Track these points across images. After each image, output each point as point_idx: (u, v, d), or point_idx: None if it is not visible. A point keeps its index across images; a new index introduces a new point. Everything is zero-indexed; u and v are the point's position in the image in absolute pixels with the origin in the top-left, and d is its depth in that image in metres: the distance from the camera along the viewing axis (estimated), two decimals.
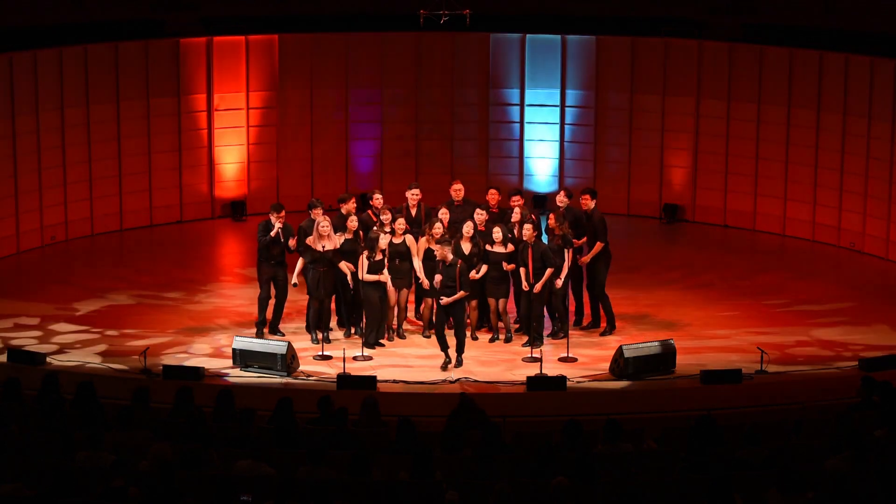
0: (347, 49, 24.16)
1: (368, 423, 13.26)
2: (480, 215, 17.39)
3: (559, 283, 17.06)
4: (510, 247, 17.00)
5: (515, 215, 17.09)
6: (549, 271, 16.73)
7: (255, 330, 17.51)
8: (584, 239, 17.53)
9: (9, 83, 21.22)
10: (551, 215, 17.21)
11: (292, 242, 17.24)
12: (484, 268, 17.02)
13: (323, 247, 16.83)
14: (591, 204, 17.51)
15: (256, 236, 17.43)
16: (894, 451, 12.05)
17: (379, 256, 16.82)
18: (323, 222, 16.84)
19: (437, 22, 18.37)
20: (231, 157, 23.86)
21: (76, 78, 22.12)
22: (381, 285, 16.86)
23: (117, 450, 11.90)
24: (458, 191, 17.90)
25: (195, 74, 23.37)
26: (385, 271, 16.86)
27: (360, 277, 16.75)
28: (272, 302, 17.51)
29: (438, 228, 17.13)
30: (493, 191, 17.84)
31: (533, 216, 17.16)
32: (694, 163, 23.67)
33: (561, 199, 17.58)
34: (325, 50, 24.09)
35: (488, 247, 17.05)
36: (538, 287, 16.72)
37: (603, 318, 17.83)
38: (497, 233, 16.98)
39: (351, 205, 17.36)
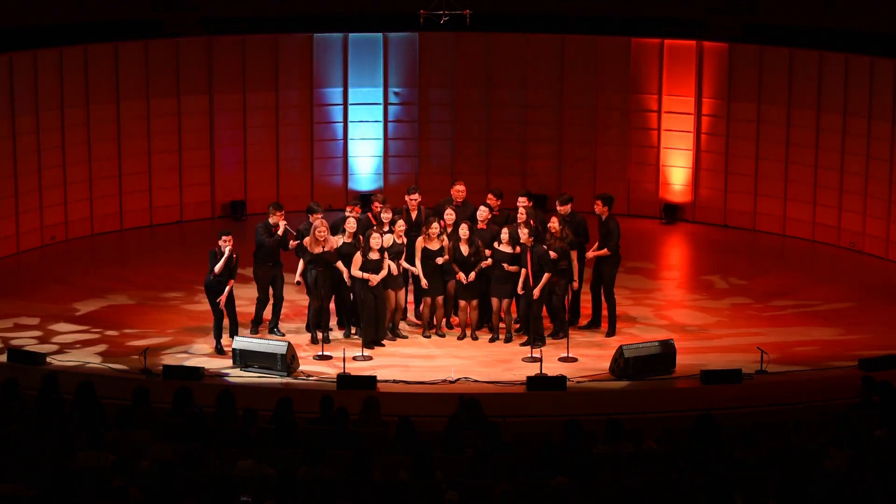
0: (347, 49, 24.15)
1: (368, 422, 13.26)
2: (483, 213, 17.40)
3: (576, 284, 17.14)
4: (517, 248, 16.98)
5: (521, 216, 17.08)
6: (546, 276, 16.73)
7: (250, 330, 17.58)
8: (596, 243, 17.52)
9: (9, 83, 21.22)
10: (553, 217, 17.18)
11: (293, 244, 17.27)
12: (485, 262, 17.02)
13: (322, 249, 16.84)
14: (605, 209, 17.46)
15: (256, 239, 17.38)
16: (894, 451, 12.06)
17: (376, 256, 16.80)
18: (320, 227, 16.84)
19: (437, 22, 18.37)
20: (231, 158, 23.85)
21: (76, 78, 22.12)
22: (375, 286, 16.84)
23: (117, 450, 11.90)
24: (459, 192, 17.87)
25: (195, 74, 23.37)
26: (382, 273, 16.82)
27: (351, 273, 16.78)
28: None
29: (435, 229, 17.15)
30: (491, 195, 17.79)
31: (532, 221, 17.13)
32: (694, 163, 23.67)
33: (561, 207, 17.52)
34: (324, 50, 24.09)
35: (495, 245, 17.06)
36: (536, 292, 16.73)
37: (604, 318, 17.83)
38: (504, 233, 16.98)
39: (353, 212, 17.33)
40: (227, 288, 16.83)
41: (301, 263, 17.14)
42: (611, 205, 17.56)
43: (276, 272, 17.44)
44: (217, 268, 16.70)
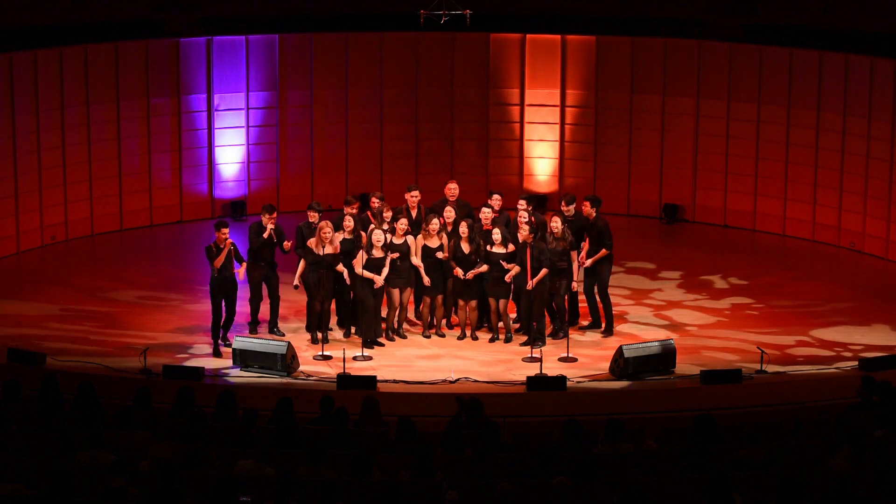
0: (347, 49, 24.16)
1: (368, 422, 13.26)
2: (486, 214, 17.40)
3: (575, 286, 17.16)
4: (511, 247, 17.00)
5: (521, 218, 17.06)
6: (543, 271, 16.73)
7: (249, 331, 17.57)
8: (586, 244, 17.52)
9: (9, 83, 21.22)
10: (555, 217, 17.19)
11: (287, 245, 17.25)
12: (484, 267, 17.04)
13: (323, 248, 16.85)
14: (592, 211, 17.46)
15: (249, 237, 17.41)
16: (894, 451, 12.06)
17: (379, 254, 16.81)
18: (325, 228, 16.84)
19: (437, 22, 18.37)
20: (231, 157, 23.87)
21: (76, 78, 22.12)
22: (374, 284, 16.84)
23: (117, 450, 11.90)
24: (452, 189, 17.87)
25: (195, 74, 23.37)
26: (383, 273, 16.82)
27: (355, 272, 16.78)
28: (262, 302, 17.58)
29: (435, 225, 17.15)
30: (496, 196, 17.79)
31: (532, 218, 17.14)
32: (694, 163, 23.67)
33: (565, 208, 17.54)
34: (325, 50, 24.10)
35: (488, 247, 17.06)
36: (531, 283, 16.71)
37: (603, 318, 17.82)
38: (497, 233, 16.99)
39: (353, 209, 17.34)
40: (242, 269, 16.83)
41: (301, 265, 17.10)
42: (598, 206, 17.54)
43: (268, 272, 17.42)
44: (217, 261, 16.68)
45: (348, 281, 17.07)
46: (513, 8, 24.80)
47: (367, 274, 16.77)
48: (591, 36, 24.03)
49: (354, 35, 24.22)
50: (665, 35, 23.62)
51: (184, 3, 23.97)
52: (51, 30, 22.36)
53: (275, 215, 17.32)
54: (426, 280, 17.21)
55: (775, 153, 22.86)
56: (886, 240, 21.49)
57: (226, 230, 16.81)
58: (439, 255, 17.18)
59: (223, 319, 17.07)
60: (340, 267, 16.98)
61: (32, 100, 21.56)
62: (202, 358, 16.78)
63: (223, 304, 16.99)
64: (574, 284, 17.34)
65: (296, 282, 17.19)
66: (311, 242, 16.92)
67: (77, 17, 23.00)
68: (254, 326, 17.61)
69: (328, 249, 16.83)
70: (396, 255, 16.96)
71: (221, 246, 16.76)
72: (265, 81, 23.90)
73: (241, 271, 17.01)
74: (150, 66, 22.90)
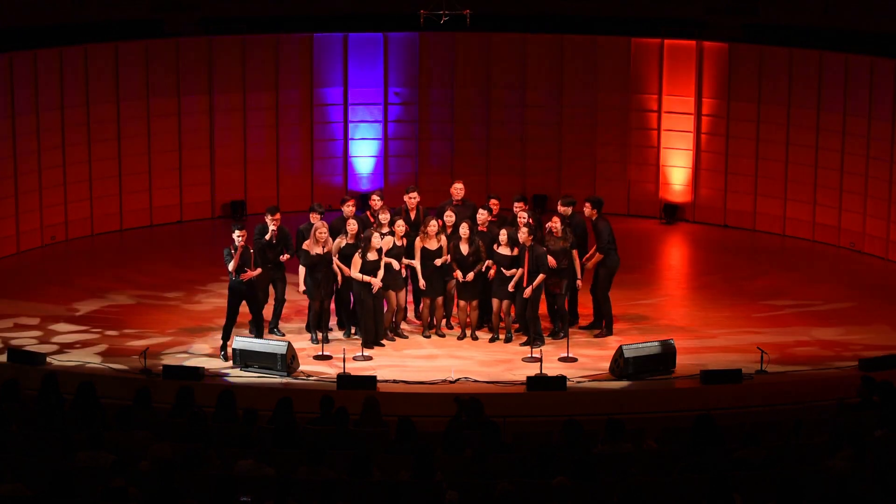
0: (347, 49, 24.16)
1: (368, 422, 13.27)
2: (482, 215, 17.40)
3: (580, 282, 17.15)
4: (515, 250, 16.98)
5: (520, 219, 17.04)
6: (541, 277, 16.73)
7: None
8: (594, 248, 17.54)
9: (9, 83, 21.22)
10: (554, 217, 17.19)
11: (283, 258, 17.16)
12: (485, 266, 17.02)
13: (323, 248, 16.85)
14: (594, 212, 17.43)
15: (253, 239, 17.37)
16: (894, 451, 12.06)
17: (374, 256, 16.80)
18: (321, 228, 16.84)
19: (437, 22, 18.38)
20: (231, 158, 23.86)
21: (76, 78, 22.12)
22: (373, 288, 16.82)
23: (117, 450, 11.91)
24: (459, 189, 17.91)
25: (195, 74, 23.37)
26: (379, 276, 16.79)
27: (351, 275, 16.77)
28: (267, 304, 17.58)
29: (433, 227, 17.14)
30: (494, 200, 17.78)
31: (531, 220, 17.13)
32: (694, 163, 23.67)
33: (563, 209, 17.54)
34: (324, 50, 24.10)
35: (494, 247, 17.04)
36: (527, 292, 16.72)
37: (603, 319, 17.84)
38: (503, 235, 16.96)
39: (350, 207, 17.34)
40: (252, 273, 16.70)
41: (302, 271, 17.01)
42: (600, 207, 17.52)
43: (275, 274, 17.39)
44: (231, 266, 16.59)
45: (339, 283, 17.02)
46: (513, 8, 24.81)
47: (365, 278, 16.75)
48: (591, 36, 24.03)
49: (354, 35, 24.22)
50: (665, 35, 23.62)
51: (184, 3, 23.96)
52: (51, 30, 22.36)
53: (278, 216, 17.28)
54: (422, 284, 17.20)
55: (775, 153, 22.87)
56: (886, 240, 21.50)
57: (238, 232, 16.67)
58: (437, 262, 17.15)
59: (252, 320, 17.00)
60: (339, 265, 16.93)
61: (32, 100, 21.56)
62: (202, 358, 16.78)
63: (242, 306, 16.83)
64: (579, 282, 17.30)
65: (301, 287, 17.07)
66: (307, 244, 16.90)
67: (77, 17, 23.00)
68: (269, 326, 17.54)
69: (323, 249, 16.81)
70: (410, 262, 16.96)
71: (234, 248, 16.64)
72: (265, 81, 23.89)
73: (247, 275, 16.82)
74: (150, 66, 22.90)
